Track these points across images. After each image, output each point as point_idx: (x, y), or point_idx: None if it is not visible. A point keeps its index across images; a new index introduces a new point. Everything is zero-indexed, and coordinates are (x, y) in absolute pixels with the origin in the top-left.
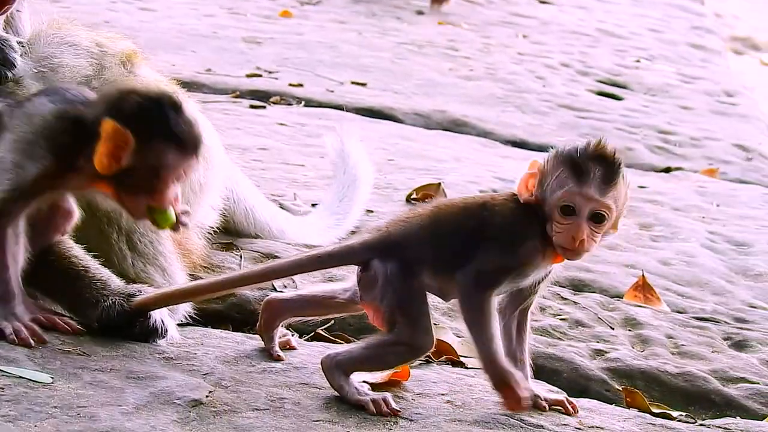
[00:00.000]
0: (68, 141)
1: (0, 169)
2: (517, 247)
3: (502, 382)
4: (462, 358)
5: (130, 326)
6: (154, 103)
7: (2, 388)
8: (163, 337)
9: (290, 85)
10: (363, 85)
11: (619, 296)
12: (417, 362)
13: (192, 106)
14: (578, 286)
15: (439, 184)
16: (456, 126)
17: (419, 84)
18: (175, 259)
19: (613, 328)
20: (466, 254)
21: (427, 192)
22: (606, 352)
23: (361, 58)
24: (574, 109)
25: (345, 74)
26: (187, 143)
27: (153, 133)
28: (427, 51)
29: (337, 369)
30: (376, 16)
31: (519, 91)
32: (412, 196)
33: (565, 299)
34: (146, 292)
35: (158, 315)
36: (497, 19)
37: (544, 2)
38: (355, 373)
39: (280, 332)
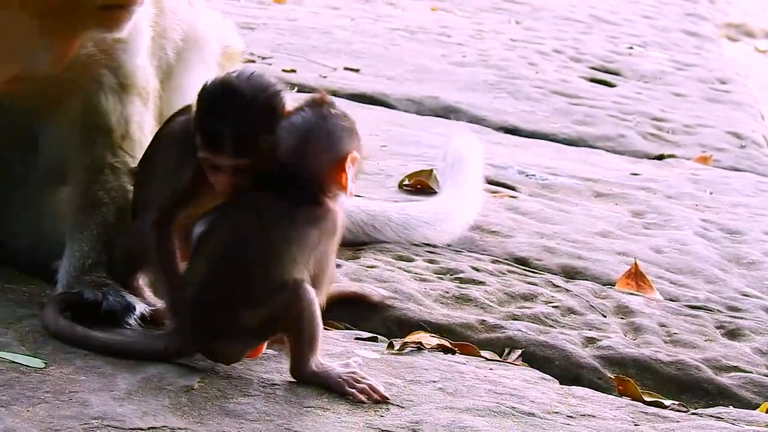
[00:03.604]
0: None
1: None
2: None
3: None
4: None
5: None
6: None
7: None
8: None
9: (283, 70)
10: (356, 71)
11: (612, 284)
12: (408, 349)
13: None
14: (570, 274)
15: (431, 170)
16: (448, 112)
17: (412, 70)
18: None
19: (605, 316)
20: None
21: (419, 178)
22: (598, 340)
23: (354, 43)
24: (567, 95)
25: (338, 60)
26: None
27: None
28: (419, 37)
29: (308, 371)
30: (369, 2)
31: (511, 77)
32: (404, 183)
33: (557, 287)
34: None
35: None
36: (490, 6)
37: None
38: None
39: None
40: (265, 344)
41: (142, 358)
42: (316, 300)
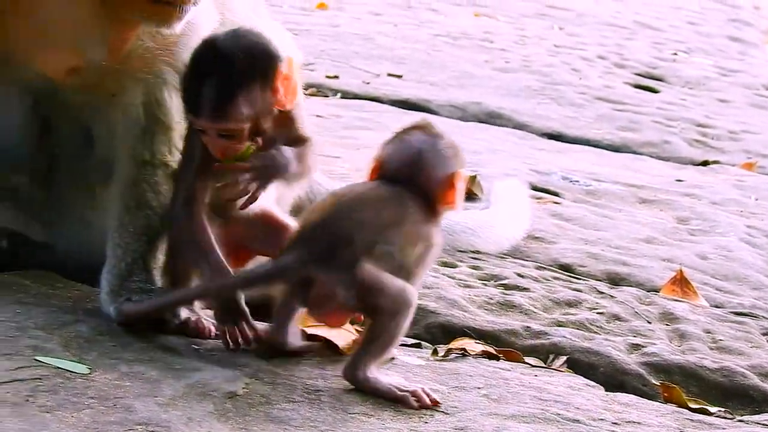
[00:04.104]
0: None
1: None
2: None
3: None
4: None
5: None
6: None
7: (39, 379)
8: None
9: (326, 77)
10: (399, 77)
11: (656, 290)
12: (452, 356)
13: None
14: (615, 280)
15: (475, 176)
16: (491, 118)
17: (455, 76)
18: None
19: (650, 323)
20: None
21: None
22: (643, 347)
23: (396, 49)
24: (611, 101)
25: (381, 66)
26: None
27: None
28: (462, 43)
29: (362, 377)
30: (411, 8)
31: (555, 83)
32: None
33: (602, 293)
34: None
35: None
36: (533, 11)
37: None
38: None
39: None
40: (348, 319)
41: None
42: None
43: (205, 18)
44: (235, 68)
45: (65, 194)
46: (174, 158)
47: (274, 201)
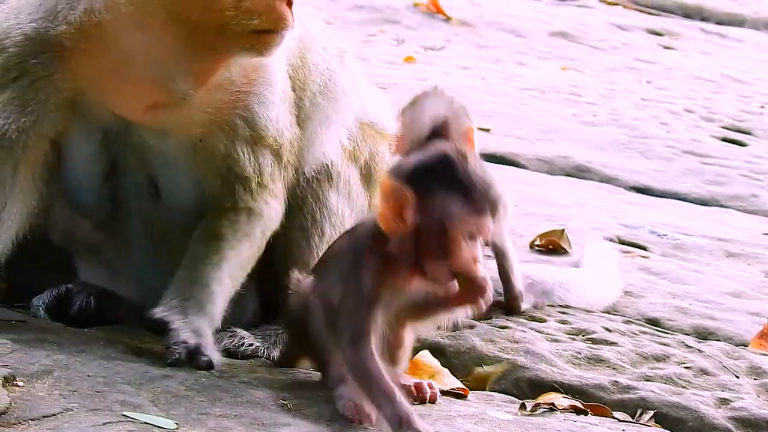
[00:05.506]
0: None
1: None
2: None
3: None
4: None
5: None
6: (432, 156)
7: None
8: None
9: None
10: (486, 130)
11: (745, 344)
12: (540, 410)
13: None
14: (703, 334)
15: (563, 230)
16: (579, 172)
17: (542, 129)
18: None
19: (738, 377)
20: None
21: (550, 238)
22: (731, 401)
23: (484, 103)
24: (698, 155)
25: None
26: (475, 192)
27: (433, 185)
28: (550, 96)
29: None
30: (499, 61)
31: (643, 136)
32: (535, 243)
33: (690, 347)
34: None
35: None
36: (621, 65)
37: (668, 48)
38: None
39: None
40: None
41: None
42: None
43: (279, 66)
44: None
45: (138, 245)
46: (257, 204)
47: None
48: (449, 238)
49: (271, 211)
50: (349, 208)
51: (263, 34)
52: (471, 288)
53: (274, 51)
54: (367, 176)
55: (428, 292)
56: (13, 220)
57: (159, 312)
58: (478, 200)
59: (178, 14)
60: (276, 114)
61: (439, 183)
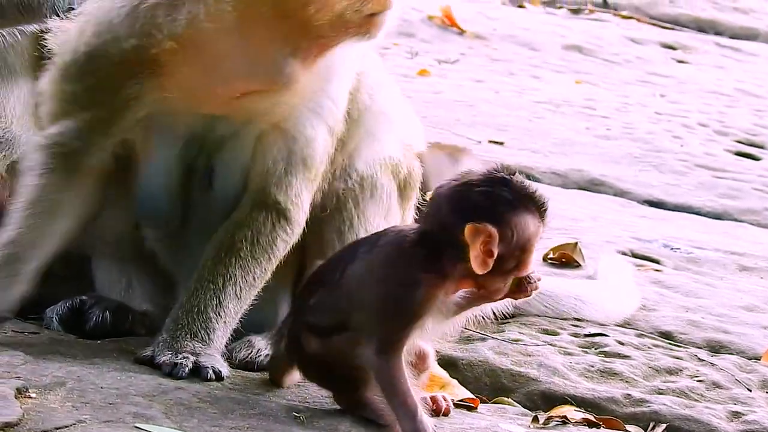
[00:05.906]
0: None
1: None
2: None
3: None
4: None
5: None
6: (488, 185)
7: None
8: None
9: (428, 144)
10: (500, 143)
11: (757, 358)
12: (553, 423)
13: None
14: (715, 348)
15: (576, 243)
16: (593, 185)
17: (556, 143)
18: None
19: (750, 390)
20: None
21: (563, 251)
22: (743, 415)
23: (498, 116)
24: (712, 168)
25: (483, 133)
26: (535, 202)
27: (506, 212)
28: (564, 110)
29: None
30: (513, 74)
31: (656, 150)
32: (549, 256)
33: (702, 360)
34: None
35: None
36: (635, 78)
37: (681, 62)
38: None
39: None
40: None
41: None
42: None
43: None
44: None
45: (195, 246)
46: (276, 234)
47: None
48: (528, 254)
49: (299, 213)
50: (384, 220)
51: (373, 16)
52: (521, 285)
53: (379, 33)
54: (403, 193)
55: (470, 293)
56: (52, 243)
57: (149, 352)
58: (542, 208)
59: (288, 12)
60: (314, 133)
61: (509, 208)
